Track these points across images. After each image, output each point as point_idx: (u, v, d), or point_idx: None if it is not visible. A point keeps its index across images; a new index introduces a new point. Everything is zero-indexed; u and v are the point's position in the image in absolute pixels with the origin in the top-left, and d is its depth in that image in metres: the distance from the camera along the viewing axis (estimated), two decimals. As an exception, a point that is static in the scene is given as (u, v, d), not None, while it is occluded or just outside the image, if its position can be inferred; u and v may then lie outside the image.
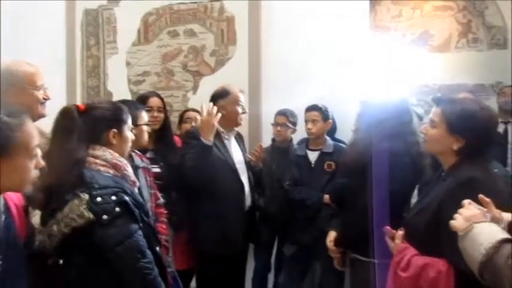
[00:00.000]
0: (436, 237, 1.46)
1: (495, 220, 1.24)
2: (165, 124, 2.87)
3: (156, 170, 2.64)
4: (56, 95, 2.23)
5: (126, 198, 1.60)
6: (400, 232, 1.75)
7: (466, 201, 1.30)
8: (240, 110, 2.79)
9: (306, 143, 3.12)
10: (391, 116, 2.14)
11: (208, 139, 2.61)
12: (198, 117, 3.31)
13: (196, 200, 2.71)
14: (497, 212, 1.28)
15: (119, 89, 4.03)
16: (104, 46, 4.12)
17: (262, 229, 3.31)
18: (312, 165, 3.02)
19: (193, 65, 3.99)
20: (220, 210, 2.64)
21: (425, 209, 1.68)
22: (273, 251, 3.47)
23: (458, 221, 1.25)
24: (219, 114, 2.66)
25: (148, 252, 1.63)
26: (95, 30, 4.14)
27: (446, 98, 1.78)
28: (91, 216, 1.53)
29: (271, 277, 3.49)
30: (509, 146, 3.66)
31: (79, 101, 3.88)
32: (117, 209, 1.56)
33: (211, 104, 2.72)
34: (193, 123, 3.20)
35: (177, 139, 3.10)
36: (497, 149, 3.06)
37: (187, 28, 4.01)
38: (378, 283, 1.97)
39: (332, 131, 3.18)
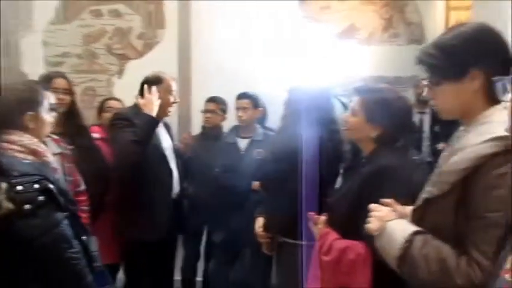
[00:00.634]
0: (356, 221, 1.50)
1: (403, 216, 1.29)
2: (72, 107, 2.70)
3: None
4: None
5: (50, 186, 1.48)
6: (323, 217, 1.80)
7: (372, 206, 1.33)
8: (171, 99, 2.71)
9: (236, 130, 3.10)
10: (314, 103, 2.19)
11: (153, 114, 2.55)
12: (120, 105, 3.19)
13: (122, 185, 2.61)
14: (401, 208, 1.35)
15: (35, 71, 3.73)
16: (18, 23, 3.79)
17: (191, 217, 3.28)
18: (242, 153, 3.01)
19: (119, 48, 3.80)
20: (147, 196, 2.60)
21: (345, 195, 1.75)
22: (203, 238, 3.44)
23: (372, 223, 1.27)
24: (159, 99, 2.59)
25: (75, 242, 1.54)
26: (8, 6, 3.79)
27: (366, 88, 1.85)
28: (11, 206, 1.40)
29: (201, 265, 3.46)
30: (424, 135, 3.91)
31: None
32: (41, 197, 1.45)
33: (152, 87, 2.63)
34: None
35: (96, 129, 2.95)
36: (413, 138, 3.25)
37: (112, 8, 3.80)
38: (305, 264, 2.02)
39: (262, 119, 3.20)
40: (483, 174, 1.04)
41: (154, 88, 2.60)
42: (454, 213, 1.09)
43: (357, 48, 4.21)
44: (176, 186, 2.79)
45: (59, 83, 2.65)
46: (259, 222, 2.42)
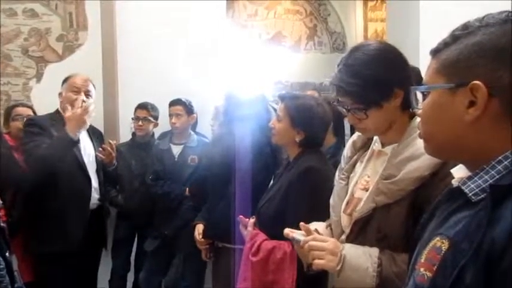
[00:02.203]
0: (283, 222, 1.55)
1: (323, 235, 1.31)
2: None
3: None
4: None
5: None
6: (252, 220, 1.86)
7: (297, 234, 1.27)
8: (74, 97, 2.58)
9: (169, 137, 3.04)
10: (253, 111, 2.24)
11: (75, 133, 2.41)
12: (30, 112, 2.99)
13: (35, 197, 2.44)
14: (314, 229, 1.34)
15: None
16: None
17: (120, 226, 3.16)
18: (176, 159, 2.95)
19: (36, 50, 3.54)
20: (61, 206, 2.47)
21: (273, 197, 1.83)
22: (133, 248, 3.31)
23: (327, 259, 1.16)
24: (93, 113, 2.50)
25: (1, 258, 1.42)
26: None
27: (289, 95, 1.97)
28: None
29: (130, 276, 3.31)
30: (346, 138, 4.11)
31: None
32: None
33: (88, 100, 2.50)
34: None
35: (6, 137, 2.75)
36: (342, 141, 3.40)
37: (26, 7, 3.53)
38: (238, 267, 2.06)
39: (194, 125, 3.16)
40: (440, 179, 1.08)
41: (89, 101, 2.49)
42: (405, 219, 1.12)
43: (284, 55, 4.33)
44: (95, 196, 2.67)
45: None
46: (199, 229, 2.40)
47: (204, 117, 3.20)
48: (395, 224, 1.15)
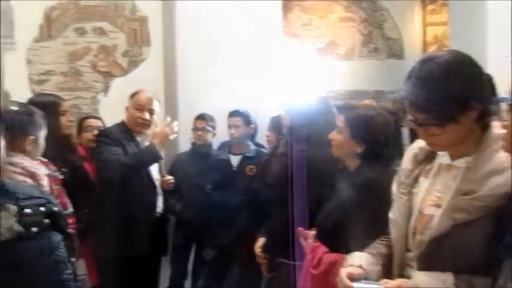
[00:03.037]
0: (344, 234, 1.55)
1: None
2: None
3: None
4: None
5: (55, 209, 1.50)
6: (312, 232, 1.85)
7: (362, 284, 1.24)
8: (137, 114, 2.75)
9: (228, 147, 3.14)
10: (322, 122, 2.20)
11: (161, 149, 2.66)
12: (100, 124, 3.18)
13: (103, 202, 2.62)
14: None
15: (18, 89, 3.68)
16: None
17: (178, 234, 3.27)
18: (234, 169, 3.04)
19: (104, 65, 3.78)
20: (129, 212, 2.61)
21: (333, 209, 1.80)
22: (191, 256, 3.43)
23: None
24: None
25: (69, 263, 1.56)
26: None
27: (347, 105, 1.93)
28: (21, 228, 1.40)
29: (187, 284, 3.44)
30: (405, 148, 4.03)
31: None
32: (46, 220, 1.46)
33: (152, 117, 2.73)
34: (96, 132, 3.03)
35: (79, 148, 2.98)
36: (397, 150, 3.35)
37: (96, 26, 3.79)
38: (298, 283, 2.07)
39: (252, 135, 3.24)
40: None
41: (175, 123, 2.68)
42: (487, 238, 1.07)
43: (338, 63, 4.33)
44: (160, 203, 2.80)
45: (65, 105, 2.70)
46: (259, 242, 2.43)
47: (263, 128, 3.27)
48: (475, 243, 1.09)
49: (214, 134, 3.31)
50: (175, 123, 2.73)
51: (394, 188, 1.38)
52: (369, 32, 4.27)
